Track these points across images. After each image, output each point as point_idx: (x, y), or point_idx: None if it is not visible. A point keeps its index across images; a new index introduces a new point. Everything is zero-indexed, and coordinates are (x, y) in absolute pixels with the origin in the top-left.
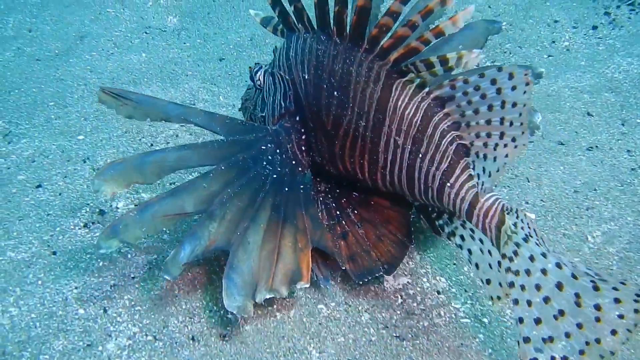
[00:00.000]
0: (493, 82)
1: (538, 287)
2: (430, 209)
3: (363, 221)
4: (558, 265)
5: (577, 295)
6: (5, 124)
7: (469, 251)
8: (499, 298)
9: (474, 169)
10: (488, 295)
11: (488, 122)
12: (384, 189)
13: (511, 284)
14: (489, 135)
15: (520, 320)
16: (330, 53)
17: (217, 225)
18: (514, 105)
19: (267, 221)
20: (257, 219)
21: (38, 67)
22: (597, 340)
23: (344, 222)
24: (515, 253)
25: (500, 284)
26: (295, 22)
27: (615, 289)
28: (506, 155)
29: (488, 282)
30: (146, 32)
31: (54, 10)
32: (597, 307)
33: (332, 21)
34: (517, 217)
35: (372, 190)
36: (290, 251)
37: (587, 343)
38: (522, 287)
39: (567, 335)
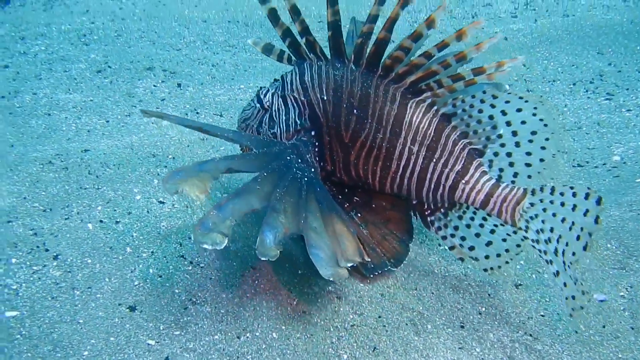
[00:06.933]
0: (482, 100)
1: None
2: (426, 206)
3: (367, 222)
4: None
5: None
6: None
7: (462, 238)
8: (499, 267)
9: (490, 167)
10: (485, 268)
11: (494, 127)
12: (389, 192)
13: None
14: (500, 136)
15: (557, 273)
16: (348, 78)
17: (283, 216)
18: (519, 110)
19: (319, 210)
20: (310, 209)
21: None
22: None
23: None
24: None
25: (498, 255)
26: (307, 52)
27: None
28: (541, 159)
29: (486, 257)
30: None
31: None
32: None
33: (351, 50)
34: (543, 192)
35: (372, 194)
36: (347, 233)
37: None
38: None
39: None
